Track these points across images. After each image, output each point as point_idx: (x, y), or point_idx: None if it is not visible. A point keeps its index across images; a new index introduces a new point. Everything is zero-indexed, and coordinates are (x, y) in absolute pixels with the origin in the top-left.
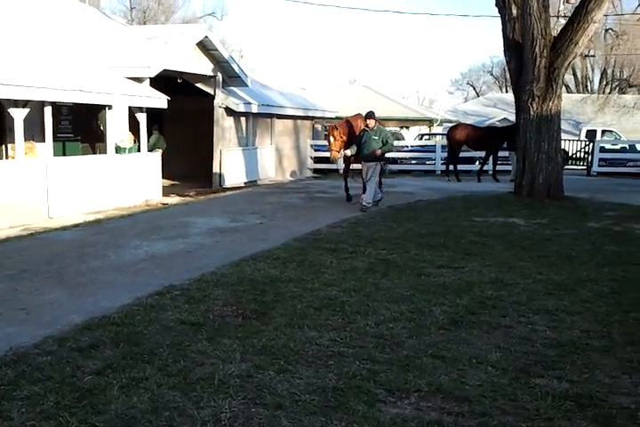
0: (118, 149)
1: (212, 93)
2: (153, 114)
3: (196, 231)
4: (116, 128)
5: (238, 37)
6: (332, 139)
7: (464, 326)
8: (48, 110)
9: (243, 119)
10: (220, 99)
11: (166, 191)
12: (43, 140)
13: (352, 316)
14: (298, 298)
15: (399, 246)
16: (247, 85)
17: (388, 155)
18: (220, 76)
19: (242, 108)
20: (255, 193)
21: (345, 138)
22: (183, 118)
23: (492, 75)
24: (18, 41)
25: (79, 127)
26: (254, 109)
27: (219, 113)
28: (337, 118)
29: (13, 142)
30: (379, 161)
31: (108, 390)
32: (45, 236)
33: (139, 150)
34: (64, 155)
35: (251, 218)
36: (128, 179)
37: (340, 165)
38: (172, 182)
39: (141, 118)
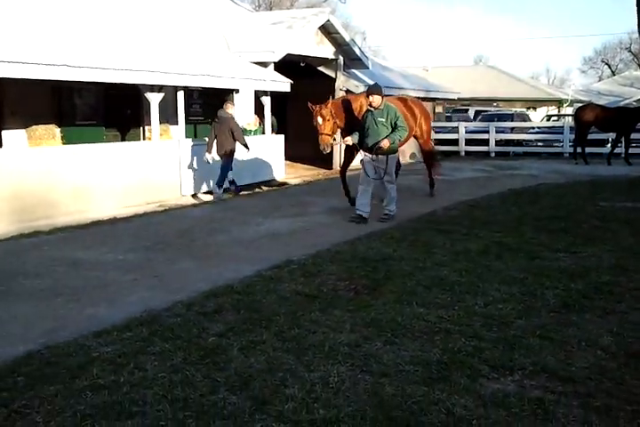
0: (244, 131)
1: (334, 76)
2: (276, 97)
3: (315, 210)
4: (242, 111)
5: (362, 20)
6: (319, 119)
7: (576, 309)
8: (180, 94)
9: None
10: (341, 81)
11: (287, 172)
12: (176, 122)
13: (461, 295)
14: (408, 276)
15: (515, 230)
16: (368, 67)
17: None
18: (341, 58)
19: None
20: None
21: (339, 120)
22: (301, 101)
23: (630, 51)
24: (149, 29)
25: (209, 110)
26: None
27: (339, 95)
28: (460, 100)
29: (149, 125)
30: (390, 153)
31: (229, 351)
32: (177, 212)
33: (263, 132)
34: (195, 137)
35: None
36: (254, 160)
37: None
38: (293, 163)
39: (266, 102)
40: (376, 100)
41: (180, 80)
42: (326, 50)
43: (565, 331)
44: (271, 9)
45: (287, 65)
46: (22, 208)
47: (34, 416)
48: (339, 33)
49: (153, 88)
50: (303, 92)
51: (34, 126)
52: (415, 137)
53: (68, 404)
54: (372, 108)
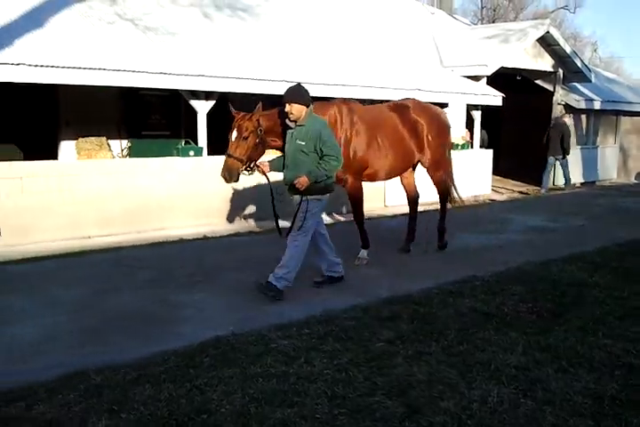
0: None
1: (552, 90)
2: (489, 111)
3: (512, 228)
4: (452, 125)
5: (594, 29)
6: (233, 134)
7: None
8: None
9: (583, 116)
10: (560, 95)
11: (495, 187)
12: None
13: None
14: (600, 304)
15: None
16: (590, 81)
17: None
18: (560, 71)
19: (582, 105)
20: (587, 194)
21: (274, 140)
22: (516, 115)
23: None
24: (362, 44)
25: None
26: (597, 106)
27: (557, 110)
28: None
29: None
30: (308, 194)
31: (394, 358)
32: (377, 221)
33: (471, 147)
34: None
35: (573, 219)
36: (459, 174)
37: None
38: (503, 179)
39: (476, 116)
40: (294, 110)
41: (388, 94)
42: (544, 62)
43: None
44: (494, 21)
45: (501, 78)
46: (238, 207)
47: (210, 394)
48: (559, 45)
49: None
50: (518, 107)
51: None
52: (420, 162)
53: (240, 386)
54: (291, 124)
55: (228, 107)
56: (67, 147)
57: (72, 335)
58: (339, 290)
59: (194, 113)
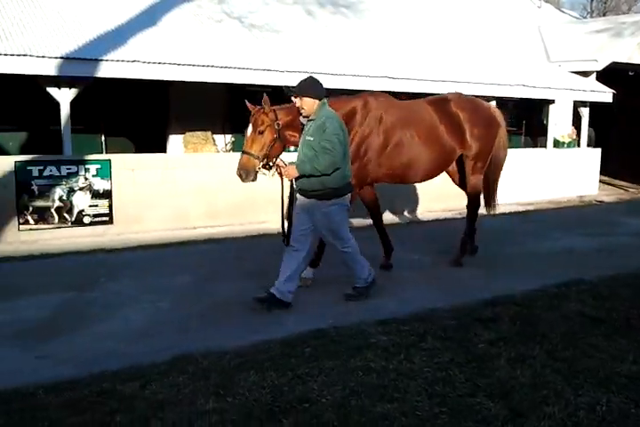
0: (557, 143)
1: None
2: (598, 108)
3: (623, 231)
4: (557, 122)
5: None
6: (249, 129)
7: None
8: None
9: None
10: None
11: (604, 188)
12: None
13: None
14: None
15: None
16: None
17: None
18: None
19: None
20: None
21: (279, 133)
22: (628, 113)
23: None
24: (462, 40)
25: (522, 120)
26: None
27: None
28: None
29: None
30: (316, 197)
31: (496, 359)
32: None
33: (578, 145)
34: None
35: None
36: (563, 173)
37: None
38: (613, 180)
39: (584, 113)
40: (305, 104)
41: (492, 90)
42: None
43: None
44: (605, 14)
45: (613, 74)
46: None
47: (311, 384)
48: None
49: None
50: (631, 104)
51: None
52: (461, 160)
53: (341, 378)
54: (303, 121)
55: None
56: (175, 141)
57: (178, 320)
58: (438, 289)
59: None
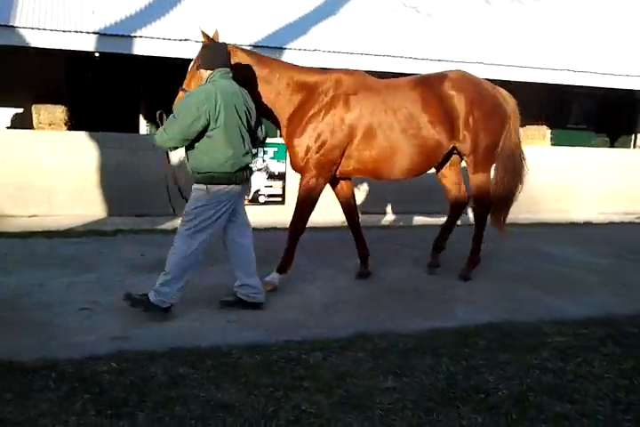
0: None
1: None
2: None
3: None
4: None
5: None
6: None
7: None
8: None
9: None
10: None
11: None
12: None
13: None
14: None
15: None
16: None
17: None
18: None
19: None
20: None
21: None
22: None
23: None
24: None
25: None
26: None
27: None
28: None
29: None
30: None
31: None
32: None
33: None
34: None
35: None
36: None
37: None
38: None
39: None
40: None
41: None
42: None
43: None
44: None
45: None
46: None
47: (487, 375)
48: None
49: None
50: None
51: (527, 126)
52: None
53: (516, 374)
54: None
55: None
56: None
57: (356, 301)
58: (620, 295)
59: None
